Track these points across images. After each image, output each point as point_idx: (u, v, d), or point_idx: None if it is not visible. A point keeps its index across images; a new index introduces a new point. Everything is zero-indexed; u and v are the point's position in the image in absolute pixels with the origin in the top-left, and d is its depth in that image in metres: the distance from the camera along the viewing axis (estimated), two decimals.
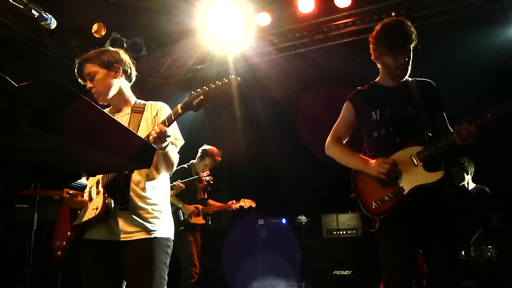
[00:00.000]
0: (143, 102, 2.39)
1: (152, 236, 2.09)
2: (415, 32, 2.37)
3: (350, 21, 5.58)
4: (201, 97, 1.92)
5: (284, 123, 6.75)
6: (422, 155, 2.22)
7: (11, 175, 1.20)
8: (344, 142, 2.59)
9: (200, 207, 4.89)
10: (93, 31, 5.55)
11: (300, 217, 5.72)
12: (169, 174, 2.36)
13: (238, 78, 1.99)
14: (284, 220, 5.82)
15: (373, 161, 2.31)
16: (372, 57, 2.53)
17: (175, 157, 2.20)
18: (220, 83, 1.93)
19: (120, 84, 2.33)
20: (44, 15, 1.70)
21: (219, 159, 5.18)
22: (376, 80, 2.60)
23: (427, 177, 2.19)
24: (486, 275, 3.61)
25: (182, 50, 6.43)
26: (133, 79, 2.43)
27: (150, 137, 1.95)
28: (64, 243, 2.15)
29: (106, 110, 2.41)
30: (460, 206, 4.46)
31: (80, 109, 1.08)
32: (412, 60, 2.39)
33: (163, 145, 2.01)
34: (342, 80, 5.35)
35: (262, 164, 6.90)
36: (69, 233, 2.15)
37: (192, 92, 1.95)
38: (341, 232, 5.41)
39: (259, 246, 5.77)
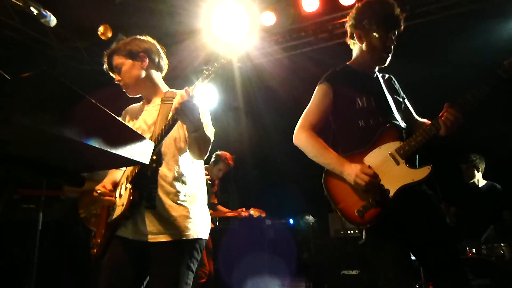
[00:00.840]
0: (175, 91, 2.21)
1: (180, 238, 1.94)
2: None
3: None
4: (212, 76, 1.78)
5: (290, 123, 6.70)
6: (403, 152, 1.97)
7: (6, 170, 1.19)
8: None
9: (210, 211, 4.91)
10: (99, 33, 5.57)
11: (307, 217, 5.69)
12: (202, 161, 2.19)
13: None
14: (291, 221, 5.80)
15: (351, 166, 1.99)
16: (348, 37, 2.30)
17: (208, 142, 2.02)
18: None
19: (148, 74, 2.20)
20: (44, 12, 1.68)
21: (232, 163, 5.22)
22: (348, 63, 2.33)
23: (414, 175, 1.93)
24: (499, 273, 3.53)
25: (187, 50, 6.43)
26: (164, 68, 2.30)
27: (172, 108, 1.79)
28: (99, 240, 2.10)
29: (139, 104, 2.33)
30: (470, 203, 4.48)
31: (73, 102, 1.07)
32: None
33: (195, 123, 1.84)
34: None
35: (268, 164, 6.88)
36: (103, 231, 2.11)
37: (204, 71, 1.80)
38: (348, 232, 5.36)
39: (266, 247, 5.76)
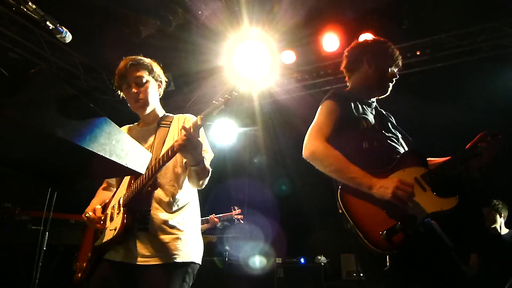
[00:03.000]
0: (171, 115, 2.29)
1: (171, 261, 1.89)
2: None
3: None
4: (222, 107, 1.79)
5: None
6: (430, 179, 1.86)
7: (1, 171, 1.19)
8: None
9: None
10: None
11: (319, 257, 5.48)
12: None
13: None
14: (302, 260, 5.59)
15: (386, 179, 1.83)
16: (346, 63, 2.36)
17: (207, 173, 2.04)
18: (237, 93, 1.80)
19: (158, 98, 2.29)
20: (60, 28, 1.74)
21: None
22: (347, 89, 2.35)
23: (442, 204, 1.81)
24: None
25: (208, 86, 6.58)
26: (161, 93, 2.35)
27: (176, 143, 1.80)
28: (84, 264, 2.04)
29: (133, 125, 2.36)
30: (492, 251, 4.23)
31: (69, 103, 1.08)
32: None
33: (197, 159, 1.88)
34: None
35: (285, 202, 6.76)
36: (89, 254, 2.05)
37: (214, 101, 1.83)
38: (361, 274, 5.08)
39: (275, 286, 5.52)
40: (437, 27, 5.19)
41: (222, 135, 7.12)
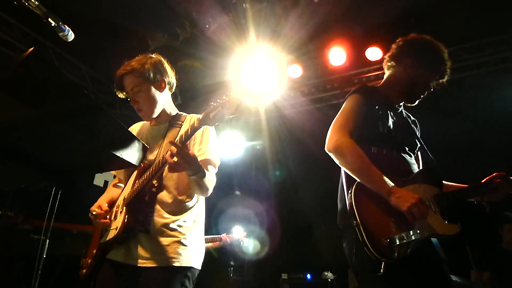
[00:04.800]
0: (184, 114, 2.20)
1: (170, 265, 1.84)
2: None
3: (382, 74, 5.54)
4: (219, 109, 1.69)
5: (315, 173, 6.57)
6: (441, 201, 1.84)
7: None
8: None
9: None
10: None
11: (326, 273, 5.35)
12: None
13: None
14: (309, 276, 5.46)
15: (407, 192, 1.77)
16: (389, 57, 2.21)
17: (211, 181, 1.95)
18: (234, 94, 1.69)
19: (164, 97, 2.15)
20: (62, 26, 1.74)
21: None
22: (377, 86, 2.21)
23: (445, 228, 1.77)
24: None
25: (215, 100, 6.58)
26: (174, 85, 2.23)
27: (168, 164, 1.71)
28: (90, 260, 2.05)
29: (144, 122, 2.30)
30: (507, 269, 4.07)
31: (58, 86, 1.05)
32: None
33: (193, 170, 1.77)
34: None
35: (293, 216, 6.66)
36: (94, 251, 2.06)
37: (211, 103, 1.72)
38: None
39: None
40: (444, 40, 5.16)
41: (229, 149, 7.10)
